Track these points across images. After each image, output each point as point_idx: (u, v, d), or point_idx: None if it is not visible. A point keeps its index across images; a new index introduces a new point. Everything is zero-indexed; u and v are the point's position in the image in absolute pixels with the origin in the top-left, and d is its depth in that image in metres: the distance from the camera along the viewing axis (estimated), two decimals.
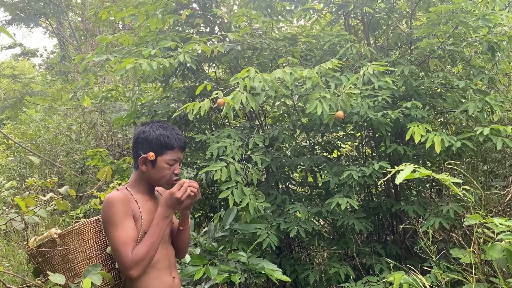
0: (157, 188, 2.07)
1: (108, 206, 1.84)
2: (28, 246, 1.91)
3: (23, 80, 11.39)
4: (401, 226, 3.55)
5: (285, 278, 2.70)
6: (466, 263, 2.79)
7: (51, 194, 2.02)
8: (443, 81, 3.72)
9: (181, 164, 3.65)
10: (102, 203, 1.96)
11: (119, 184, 4.23)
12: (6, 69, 13.11)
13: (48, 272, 1.79)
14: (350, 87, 3.12)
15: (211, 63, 4.71)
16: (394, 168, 2.34)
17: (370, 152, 4.47)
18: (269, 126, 4.42)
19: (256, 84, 2.96)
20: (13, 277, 4.38)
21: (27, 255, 1.97)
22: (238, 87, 3.07)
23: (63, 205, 2.05)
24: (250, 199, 3.10)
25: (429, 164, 3.90)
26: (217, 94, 2.99)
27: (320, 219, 4.32)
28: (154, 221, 1.84)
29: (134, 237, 1.83)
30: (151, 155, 1.90)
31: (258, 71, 3.08)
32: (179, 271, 2.66)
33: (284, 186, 4.20)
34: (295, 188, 4.56)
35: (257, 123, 4.29)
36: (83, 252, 1.88)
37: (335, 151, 4.47)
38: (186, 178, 3.50)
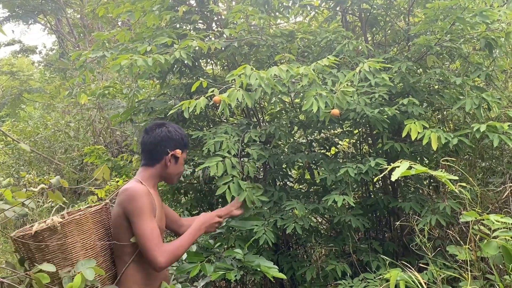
0: None
1: (136, 198, 1.98)
2: (16, 234, 1.94)
3: (22, 77, 11.38)
4: (397, 223, 3.55)
5: (281, 276, 2.68)
6: (462, 260, 2.78)
7: (42, 185, 2.03)
8: (440, 78, 3.71)
9: None
10: (119, 194, 1.99)
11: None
12: (5, 66, 13.09)
13: (35, 263, 1.80)
14: (346, 85, 3.10)
15: (208, 60, 4.69)
16: (391, 165, 2.34)
17: (368, 149, 4.46)
18: (266, 123, 4.40)
19: (252, 82, 2.95)
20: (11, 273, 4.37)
21: (13, 244, 1.98)
22: (235, 83, 3.06)
23: (55, 196, 2.05)
24: (247, 193, 3.08)
25: (427, 161, 3.89)
26: (213, 91, 2.97)
27: (318, 216, 4.32)
28: (192, 230, 2.24)
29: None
30: (179, 152, 2.21)
31: (254, 68, 3.07)
32: (175, 267, 2.68)
33: (281, 183, 4.19)
34: (293, 185, 4.55)
35: (255, 120, 4.28)
36: (80, 242, 1.92)
37: (333, 148, 4.46)
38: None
